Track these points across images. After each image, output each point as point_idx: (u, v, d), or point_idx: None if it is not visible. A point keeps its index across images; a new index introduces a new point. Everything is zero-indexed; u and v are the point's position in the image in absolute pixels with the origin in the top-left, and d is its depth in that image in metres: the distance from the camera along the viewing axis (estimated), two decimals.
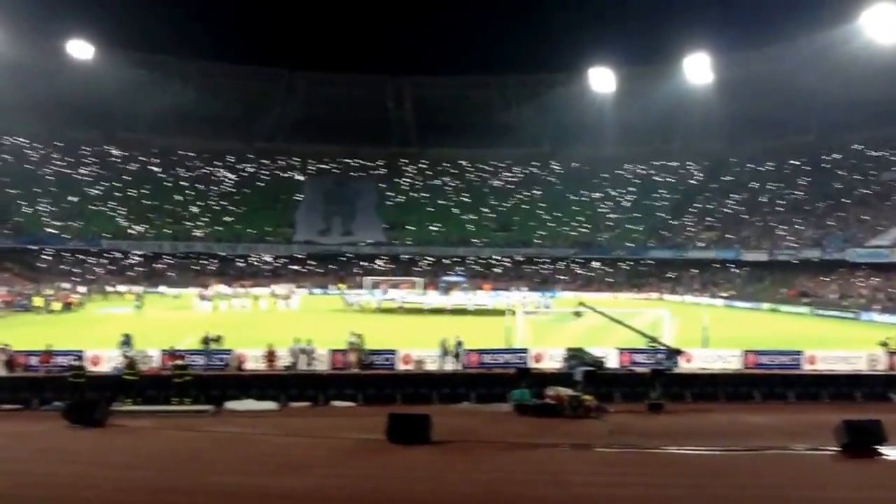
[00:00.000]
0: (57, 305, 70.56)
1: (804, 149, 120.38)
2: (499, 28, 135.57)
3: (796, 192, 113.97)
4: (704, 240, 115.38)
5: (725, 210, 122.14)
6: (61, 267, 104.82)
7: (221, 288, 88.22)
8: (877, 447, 18.73)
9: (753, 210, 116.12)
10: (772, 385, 34.47)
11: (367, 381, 33.89)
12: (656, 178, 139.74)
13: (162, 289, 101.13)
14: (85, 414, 22.68)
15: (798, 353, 38.73)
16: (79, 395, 28.55)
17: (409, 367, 36.74)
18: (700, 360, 37.92)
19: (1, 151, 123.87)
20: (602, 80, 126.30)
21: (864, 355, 38.45)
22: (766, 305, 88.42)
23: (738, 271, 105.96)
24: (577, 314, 38.38)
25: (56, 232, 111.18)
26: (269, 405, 30.47)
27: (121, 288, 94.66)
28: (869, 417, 19.67)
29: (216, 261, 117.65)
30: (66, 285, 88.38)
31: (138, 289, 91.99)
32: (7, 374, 34.05)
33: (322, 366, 36.16)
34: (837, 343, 45.25)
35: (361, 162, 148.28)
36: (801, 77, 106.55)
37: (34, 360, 35.31)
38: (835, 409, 26.83)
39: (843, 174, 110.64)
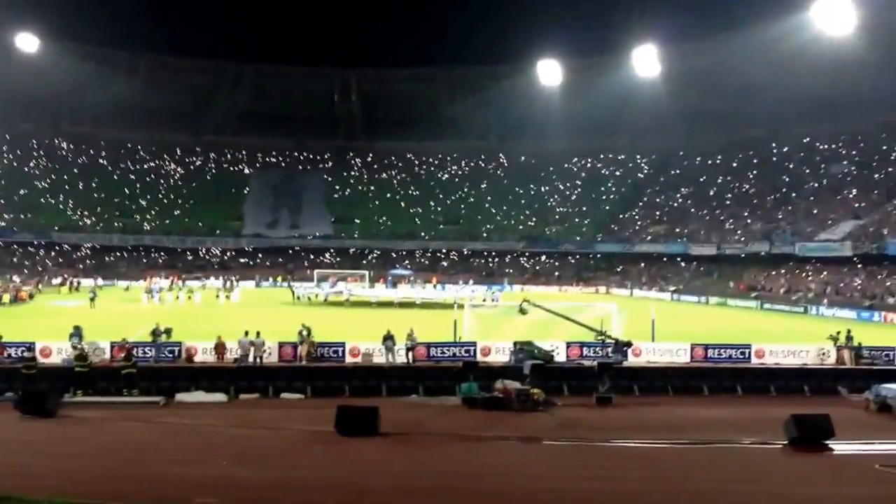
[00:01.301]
0: (7, 298, 69.76)
1: (753, 142, 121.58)
2: (445, 20, 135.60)
3: (745, 186, 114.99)
4: (652, 234, 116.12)
5: (673, 204, 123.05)
6: (12, 260, 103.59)
7: (158, 281, 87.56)
8: (825, 441, 19.01)
9: (702, 204, 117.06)
10: (720, 378, 34.73)
11: (315, 373, 33.80)
12: (604, 172, 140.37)
13: (112, 281, 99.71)
14: (37, 405, 22.91)
15: (746, 346, 38.99)
16: (31, 386, 28.34)
17: (357, 359, 36.66)
18: (648, 353, 38.12)
19: None
20: (549, 72, 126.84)
21: (812, 349, 38.75)
22: (714, 299, 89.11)
23: (686, 265, 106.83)
24: (522, 311, 38.29)
25: (5, 225, 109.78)
26: (219, 397, 30.41)
27: (73, 280, 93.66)
28: (817, 412, 19.96)
29: (165, 253, 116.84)
30: (17, 278, 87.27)
31: (90, 281, 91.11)
32: None
33: (270, 358, 36.01)
34: (786, 337, 45.66)
35: (309, 155, 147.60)
36: (749, 70, 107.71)
37: None
38: (783, 403, 27.18)
39: (792, 168, 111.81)
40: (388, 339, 36.54)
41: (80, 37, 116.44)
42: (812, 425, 19.16)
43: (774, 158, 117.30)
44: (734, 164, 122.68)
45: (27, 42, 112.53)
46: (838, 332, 39.35)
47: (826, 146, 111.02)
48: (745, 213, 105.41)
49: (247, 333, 35.66)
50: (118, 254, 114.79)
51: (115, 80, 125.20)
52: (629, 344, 35.68)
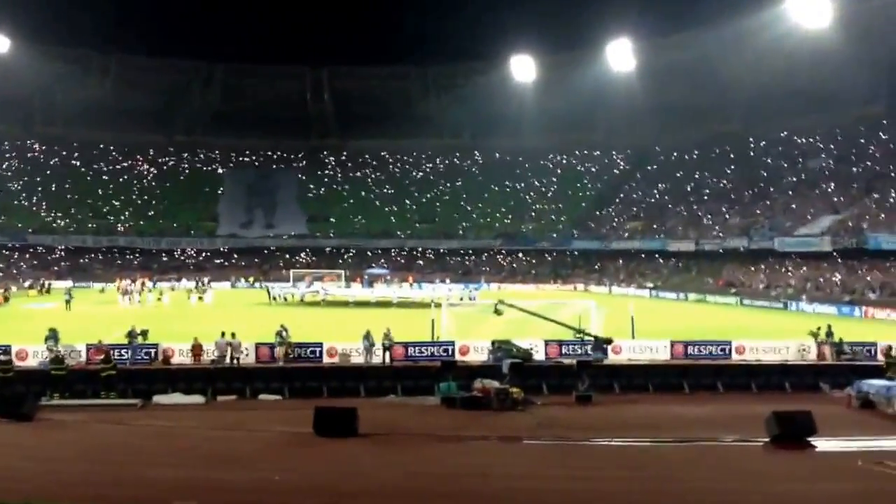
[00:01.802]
0: None
1: (730, 137, 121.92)
2: (417, 17, 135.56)
3: (722, 181, 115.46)
4: (630, 230, 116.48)
5: (651, 200, 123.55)
6: None
7: (126, 283, 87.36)
8: (808, 438, 19.08)
9: (679, 199, 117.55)
10: (701, 376, 34.77)
11: (293, 374, 33.76)
12: (580, 168, 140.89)
13: (87, 283, 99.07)
14: (13, 408, 22.79)
15: (727, 343, 39.20)
16: (7, 389, 28.15)
17: (335, 360, 36.65)
18: (628, 350, 38.23)
19: None
20: (523, 68, 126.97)
21: (793, 345, 38.97)
22: (692, 296, 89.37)
23: (664, 261, 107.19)
24: (498, 312, 38.33)
25: None
26: (196, 399, 30.35)
27: (48, 283, 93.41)
28: (799, 408, 20.03)
29: (140, 255, 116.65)
30: None
31: (65, 283, 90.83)
32: None
33: (247, 359, 35.98)
34: (766, 333, 45.88)
35: (282, 154, 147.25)
36: (725, 64, 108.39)
37: None
38: (765, 400, 27.24)
39: (769, 162, 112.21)
40: (367, 338, 36.55)
41: (50, 37, 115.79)
42: (794, 422, 19.20)
43: (752, 153, 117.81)
44: (711, 160, 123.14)
45: None
46: (819, 328, 39.50)
47: (804, 140, 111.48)
48: (723, 209, 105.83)
49: (223, 334, 35.64)
50: (92, 255, 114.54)
51: (87, 81, 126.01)
52: (609, 341, 35.79)
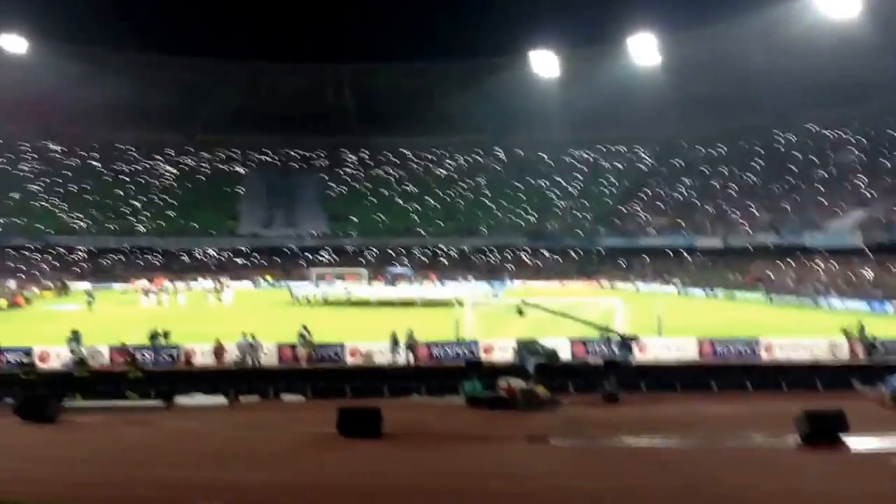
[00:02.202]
0: (3, 303, 70.72)
1: (757, 131, 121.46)
2: (438, 13, 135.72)
3: (750, 176, 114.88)
4: (656, 226, 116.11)
5: (677, 196, 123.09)
6: (7, 264, 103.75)
7: (143, 283, 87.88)
8: (840, 437, 18.95)
9: (706, 195, 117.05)
10: (729, 374, 34.63)
11: (316, 374, 33.92)
12: (604, 164, 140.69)
13: (107, 284, 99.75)
14: (36, 410, 22.94)
15: (755, 341, 39.03)
16: (30, 391, 28.43)
17: (358, 360, 36.78)
18: (654, 349, 38.14)
19: None
20: (545, 63, 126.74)
21: (824, 342, 38.72)
22: (720, 292, 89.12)
23: (691, 258, 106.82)
24: (520, 312, 38.21)
25: (0, 230, 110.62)
26: (219, 400, 30.44)
27: (69, 284, 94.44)
28: (831, 407, 19.89)
29: (160, 255, 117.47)
30: (12, 283, 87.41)
31: (86, 285, 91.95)
32: None
33: (270, 360, 36.19)
34: (797, 330, 45.69)
35: (303, 153, 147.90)
36: (751, 56, 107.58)
37: None
38: (795, 399, 27.01)
39: (798, 156, 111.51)
40: (393, 339, 36.75)
41: (68, 37, 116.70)
42: (825, 421, 19.04)
43: (780, 147, 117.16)
44: (738, 154, 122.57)
45: (15, 43, 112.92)
46: (850, 325, 39.30)
47: (833, 133, 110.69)
48: (751, 204, 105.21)
49: (244, 335, 35.83)
50: (113, 256, 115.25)
51: (106, 81, 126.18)
52: (634, 338, 35.60)
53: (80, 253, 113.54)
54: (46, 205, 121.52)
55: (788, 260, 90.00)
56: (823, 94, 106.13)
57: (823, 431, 18.79)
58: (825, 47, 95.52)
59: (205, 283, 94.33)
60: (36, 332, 44.33)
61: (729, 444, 19.63)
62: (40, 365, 33.64)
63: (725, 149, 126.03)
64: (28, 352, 34.59)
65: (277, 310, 67.56)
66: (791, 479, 15.90)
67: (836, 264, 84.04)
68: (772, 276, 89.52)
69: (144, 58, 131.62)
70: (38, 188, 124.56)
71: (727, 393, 32.56)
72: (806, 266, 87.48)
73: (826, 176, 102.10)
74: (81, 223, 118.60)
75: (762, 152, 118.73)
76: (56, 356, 35.30)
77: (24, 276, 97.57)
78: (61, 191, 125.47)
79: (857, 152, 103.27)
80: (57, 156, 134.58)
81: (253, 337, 36.05)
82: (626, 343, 35.76)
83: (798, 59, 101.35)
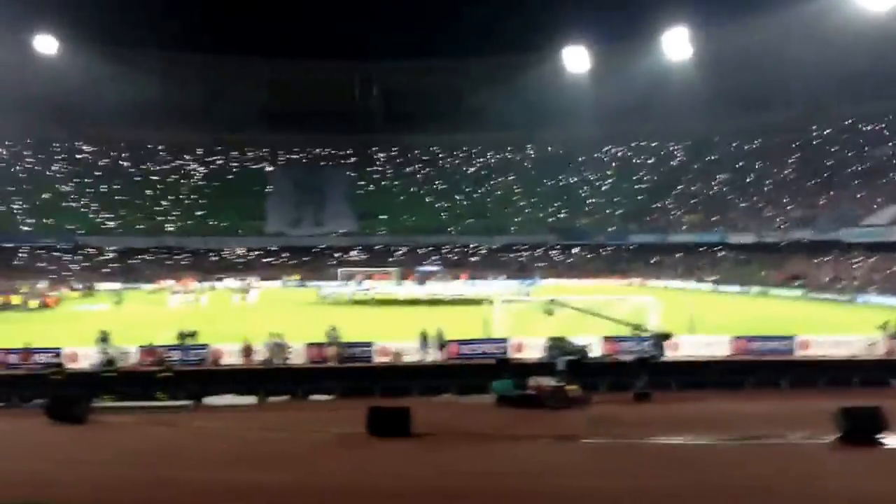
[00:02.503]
0: (34, 303, 71.57)
1: (792, 125, 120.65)
2: (468, 9, 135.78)
3: (784, 171, 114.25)
4: (688, 223, 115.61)
5: (709, 191, 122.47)
6: (38, 265, 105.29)
7: (170, 283, 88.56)
8: (876, 435, 18.73)
9: (739, 190, 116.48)
10: (763, 372, 34.38)
11: (344, 374, 33.97)
12: (636, 160, 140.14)
13: (136, 284, 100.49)
14: (66, 411, 23.01)
15: (790, 338, 38.72)
16: (59, 392, 28.60)
17: (387, 359, 36.81)
18: (687, 347, 37.92)
19: None
20: (576, 59, 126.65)
21: (861, 339, 38.33)
22: (754, 289, 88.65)
23: (724, 255, 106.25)
24: (548, 312, 38.02)
25: (30, 230, 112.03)
26: (248, 399, 30.63)
27: (97, 285, 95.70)
28: (868, 404, 19.67)
29: (189, 255, 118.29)
30: (43, 284, 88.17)
31: (115, 285, 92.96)
32: None
33: (298, 359, 36.29)
34: (832, 327, 45.31)
35: (330, 150, 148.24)
36: (786, 49, 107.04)
37: (13, 358, 36.06)
38: (831, 396, 26.71)
39: (833, 150, 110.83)
40: (423, 338, 36.73)
41: (97, 37, 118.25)
42: (862, 419, 18.81)
43: (815, 141, 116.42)
44: (772, 149, 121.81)
45: (45, 44, 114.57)
46: (887, 321, 38.95)
47: (869, 127, 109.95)
48: (786, 199, 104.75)
49: (272, 335, 35.96)
50: (141, 256, 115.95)
51: (134, 80, 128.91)
52: (668, 336, 35.35)
53: (108, 253, 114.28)
54: (75, 205, 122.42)
55: (824, 256, 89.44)
56: (859, 87, 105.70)
57: (860, 429, 18.57)
58: (861, 40, 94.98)
59: (230, 283, 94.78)
60: (64, 333, 44.66)
61: (763, 443, 19.45)
62: (69, 365, 33.87)
63: (759, 143, 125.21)
64: (57, 352, 34.85)
65: (305, 309, 67.73)
66: (827, 478, 15.73)
67: (872, 260, 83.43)
68: (807, 273, 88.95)
69: (173, 57, 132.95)
70: (69, 189, 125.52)
71: (761, 391, 32.33)
72: (842, 262, 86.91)
73: (862, 170, 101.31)
74: (110, 223, 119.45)
75: (797, 147, 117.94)
76: (84, 357, 35.57)
77: (54, 277, 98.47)
78: (91, 191, 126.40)
79: (893, 146, 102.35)
80: (86, 156, 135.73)
81: (280, 337, 36.16)
82: (658, 341, 35.57)
83: (833, 53, 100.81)
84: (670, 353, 36.35)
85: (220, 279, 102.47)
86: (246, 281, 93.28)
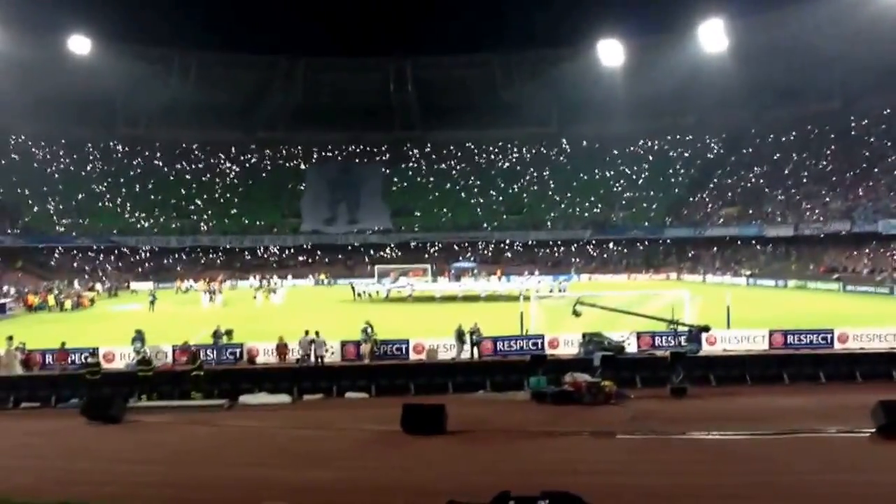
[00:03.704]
0: (69, 304, 72.50)
1: (829, 116, 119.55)
2: (502, 4, 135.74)
3: (822, 163, 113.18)
4: (725, 216, 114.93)
5: (746, 184, 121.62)
6: (73, 265, 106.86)
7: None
8: None
9: (776, 183, 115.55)
10: (801, 366, 34.07)
11: (379, 371, 34.00)
12: (672, 154, 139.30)
13: (171, 284, 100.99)
14: (102, 410, 23.47)
15: (828, 331, 38.49)
16: (95, 392, 29.12)
17: (422, 356, 36.93)
18: (724, 341, 37.80)
19: (9, 151, 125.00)
20: (611, 52, 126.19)
21: None
22: (792, 283, 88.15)
23: (761, 248, 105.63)
24: (576, 314, 37.73)
25: (65, 230, 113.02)
26: (283, 398, 30.68)
27: (132, 284, 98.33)
28: None
29: (223, 254, 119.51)
30: (78, 286, 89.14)
31: (149, 285, 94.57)
32: (25, 373, 35.00)
33: (333, 357, 36.48)
34: (871, 320, 44.98)
35: (365, 148, 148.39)
36: (823, 40, 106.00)
37: (50, 359, 36.63)
38: (870, 390, 26.49)
39: (872, 141, 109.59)
40: (459, 334, 36.78)
41: (130, 37, 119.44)
42: None
43: (853, 132, 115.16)
44: (810, 140, 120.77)
45: (79, 44, 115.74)
46: None
47: None
48: (823, 192, 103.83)
49: (307, 333, 36.12)
50: (176, 256, 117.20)
51: (168, 80, 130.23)
52: (707, 328, 35.12)
53: (143, 253, 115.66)
54: (110, 205, 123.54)
55: (862, 248, 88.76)
56: None
57: None
58: None
59: (254, 282, 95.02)
60: (100, 333, 45.11)
61: (801, 436, 19.35)
62: (105, 365, 34.25)
63: (796, 136, 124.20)
64: (94, 352, 35.10)
65: (340, 307, 67.95)
66: (866, 470, 15.66)
67: None
68: (846, 265, 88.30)
69: (206, 56, 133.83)
70: (103, 189, 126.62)
71: (799, 384, 32.10)
72: (881, 254, 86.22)
73: None
74: (145, 223, 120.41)
75: (834, 139, 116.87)
76: (121, 356, 35.98)
77: (88, 277, 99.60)
78: (125, 191, 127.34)
79: None
80: (121, 156, 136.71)
81: (317, 334, 36.32)
82: (695, 335, 35.42)
83: (871, 43, 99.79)
84: (707, 348, 36.25)
85: (245, 279, 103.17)
86: (268, 279, 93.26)
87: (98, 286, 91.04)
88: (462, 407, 23.86)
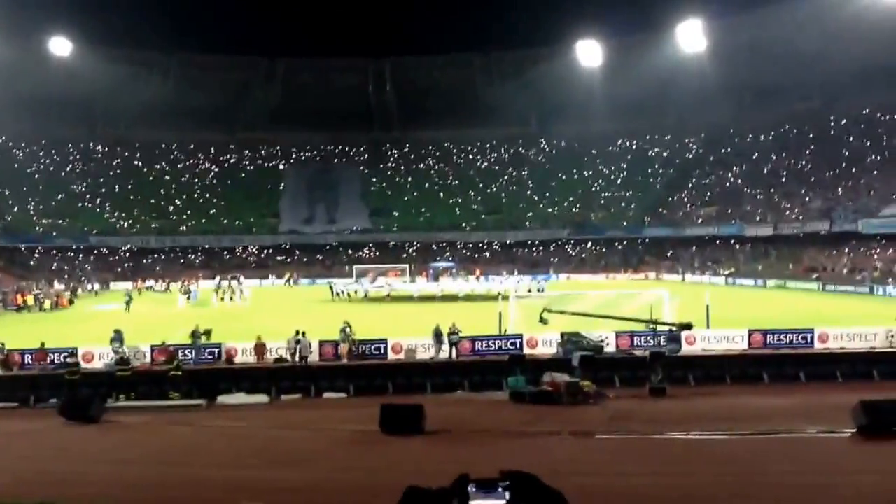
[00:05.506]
0: (48, 304, 72.08)
1: (808, 116, 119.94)
2: (480, 4, 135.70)
3: (801, 162, 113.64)
4: (704, 216, 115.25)
5: (725, 184, 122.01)
6: (53, 265, 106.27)
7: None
8: None
9: (756, 182, 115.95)
10: (781, 366, 34.28)
11: (358, 371, 34.00)
12: (651, 153, 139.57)
13: (150, 284, 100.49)
14: (80, 411, 23.47)
15: (808, 331, 38.50)
16: (73, 392, 29.13)
17: (400, 356, 36.83)
18: (703, 341, 37.79)
19: None
20: (590, 53, 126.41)
21: (881, 331, 38.00)
22: (771, 282, 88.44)
23: (740, 247, 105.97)
24: (543, 321, 37.58)
25: (44, 230, 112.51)
26: (261, 398, 30.81)
27: (111, 284, 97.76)
28: (887, 397, 19.58)
29: (202, 254, 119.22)
30: (60, 286, 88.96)
31: (128, 285, 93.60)
32: (3, 372, 35.10)
33: (311, 357, 36.39)
34: (851, 319, 45.07)
35: (344, 148, 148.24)
36: (802, 40, 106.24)
37: (29, 359, 36.31)
38: (851, 390, 26.65)
39: (851, 141, 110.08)
40: (437, 334, 36.65)
41: (111, 39, 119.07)
42: (882, 411, 18.72)
43: (832, 132, 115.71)
44: (789, 140, 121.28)
45: (60, 46, 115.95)
46: None
47: (887, 117, 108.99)
48: (803, 191, 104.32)
49: (296, 333, 36.07)
50: (155, 256, 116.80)
51: (148, 81, 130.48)
52: (689, 326, 35.09)
53: (122, 253, 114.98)
54: (89, 205, 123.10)
55: (842, 247, 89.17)
56: (877, 77, 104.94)
57: (880, 422, 18.48)
58: (878, 29, 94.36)
59: (212, 283, 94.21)
60: (79, 333, 44.88)
61: (781, 437, 19.36)
62: (84, 365, 34.18)
63: (775, 135, 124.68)
64: (73, 352, 34.96)
65: (318, 307, 67.71)
66: (846, 471, 15.65)
67: (890, 251, 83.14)
68: (825, 265, 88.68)
69: (185, 57, 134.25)
70: (83, 189, 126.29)
71: (779, 384, 32.22)
72: (860, 253, 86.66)
73: (879, 161, 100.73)
74: (124, 223, 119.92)
75: (814, 138, 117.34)
76: (100, 356, 35.75)
77: (67, 277, 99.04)
78: (104, 191, 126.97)
79: None
80: (100, 156, 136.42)
81: (303, 334, 36.21)
82: (674, 335, 35.45)
83: (850, 43, 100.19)
84: (686, 348, 36.27)
85: (197, 280, 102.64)
86: (231, 281, 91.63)
87: (80, 288, 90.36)
88: (440, 407, 23.83)
